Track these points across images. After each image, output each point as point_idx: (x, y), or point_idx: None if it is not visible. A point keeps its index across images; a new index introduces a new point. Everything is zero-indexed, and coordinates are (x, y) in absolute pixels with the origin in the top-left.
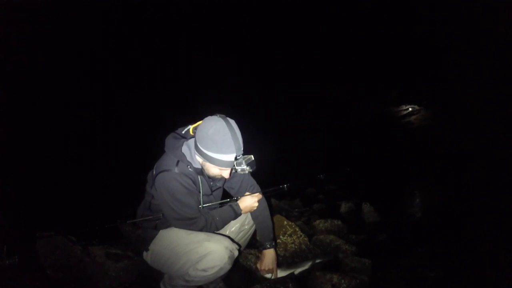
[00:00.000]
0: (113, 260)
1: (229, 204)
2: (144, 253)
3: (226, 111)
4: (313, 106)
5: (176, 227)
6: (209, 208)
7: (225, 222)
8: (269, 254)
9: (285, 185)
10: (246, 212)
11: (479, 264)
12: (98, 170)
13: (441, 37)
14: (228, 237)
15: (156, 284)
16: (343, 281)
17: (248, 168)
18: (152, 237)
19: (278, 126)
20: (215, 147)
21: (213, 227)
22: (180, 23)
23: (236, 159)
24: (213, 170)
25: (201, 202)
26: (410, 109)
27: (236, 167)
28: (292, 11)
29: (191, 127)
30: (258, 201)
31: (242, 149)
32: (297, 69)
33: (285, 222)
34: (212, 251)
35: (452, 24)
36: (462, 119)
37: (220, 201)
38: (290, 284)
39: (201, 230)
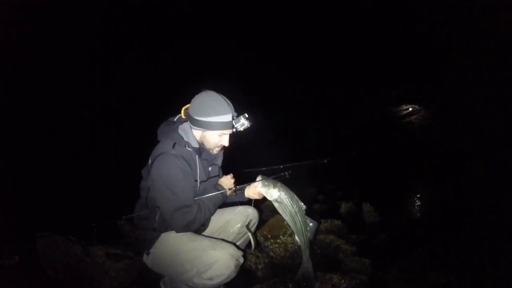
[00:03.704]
0: (113, 260)
1: (216, 189)
2: (145, 256)
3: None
4: (313, 106)
5: (171, 219)
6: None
7: (216, 206)
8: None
9: (286, 173)
10: (230, 192)
11: (479, 264)
12: (98, 170)
13: (441, 37)
14: (232, 243)
15: (156, 284)
16: (343, 281)
17: (247, 122)
18: (152, 239)
19: (278, 126)
20: (213, 111)
21: (206, 213)
22: (180, 23)
23: (232, 119)
24: (213, 139)
25: (198, 186)
26: (410, 109)
27: (236, 125)
28: (292, 11)
29: (182, 111)
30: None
31: (245, 115)
32: (297, 69)
33: (285, 222)
34: (218, 260)
35: (452, 24)
36: (462, 119)
37: (210, 194)
38: (290, 284)
39: (195, 218)
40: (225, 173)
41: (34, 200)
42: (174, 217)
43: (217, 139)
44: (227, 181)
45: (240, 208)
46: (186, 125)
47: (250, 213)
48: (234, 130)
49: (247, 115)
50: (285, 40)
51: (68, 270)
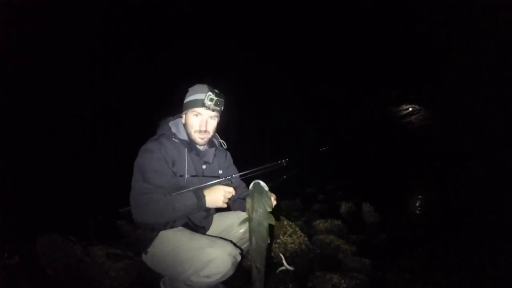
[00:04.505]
0: (113, 260)
1: (194, 190)
2: (144, 255)
3: (227, 110)
4: (313, 106)
5: (134, 203)
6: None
7: (186, 211)
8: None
9: (283, 160)
10: (212, 206)
11: (479, 264)
12: (98, 170)
13: (441, 37)
14: (231, 241)
15: (156, 284)
16: (343, 281)
17: (214, 94)
18: (151, 238)
19: (278, 126)
20: (189, 93)
21: (169, 212)
22: (180, 23)
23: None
24: (190, 119)
25: (185, 179)
26: (410, 109)
27: (205, 101)
28: (292, 11)
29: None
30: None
31: (216, 91)
32: (297, 69)
33: (285, 222)
34: (216, 258)
35: (452, 24)
36: (462, 119)
37: (193, 187)
38: (290, 284)
39: (151, 209)
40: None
41: (34, 200)
42: (136, 200)
43: (193, 120)
44: (218, 192)
45: (244, 213)
46: (179, 119)
47: None
48: (204, 107)
49: (217, 91)
50: (285, 40)
51: (68, 270)
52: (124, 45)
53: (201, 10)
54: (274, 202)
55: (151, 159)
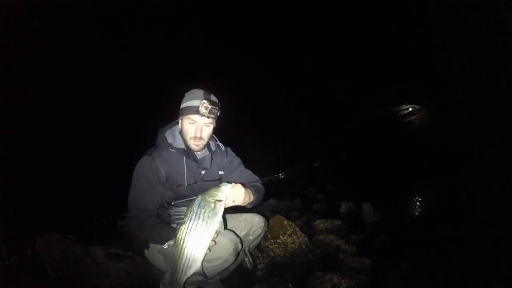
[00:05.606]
0: (113, 260)
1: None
2: (146, 251)
3: (227, 110)
4: (313, 106)
5: (128, 220)
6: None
7: (159, 242)
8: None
9: (280, 174)
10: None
11: (479, 264)
12: (98, 170)
13: (441, 37)
14: (232, 230)
15: (156, 285)
16: (343, 281)
17: (207, 102)
18: None
19: (277, 127)
20: (186, 98)
21: (151, 239)
22: (180, 22)
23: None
24: (185, 126)
25: (185, 187)
26: (410, 109)
27: (199, 108)
28: (291, 10)
29: None
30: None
31: (211, 98)
32: (296, 69)
33: (285, 222)
34: (218, 243)
35: (452, 24)
36: (462, 119)
37: (189, 198)
38: (290, 284)
39: (139, 231)
40: None
41: (34, 200)
42: (128, 220)
43: (188, 127)
44: None
45: (246, 216)
46: (176, 127)
47: (256, 222)
48: (199, 114)
49: (213, 97)
50: (284, 40)
51: (68, 270)
52: (124, 44)
53: (200, 10)
54: (227, 189)
55: (140, 183)
